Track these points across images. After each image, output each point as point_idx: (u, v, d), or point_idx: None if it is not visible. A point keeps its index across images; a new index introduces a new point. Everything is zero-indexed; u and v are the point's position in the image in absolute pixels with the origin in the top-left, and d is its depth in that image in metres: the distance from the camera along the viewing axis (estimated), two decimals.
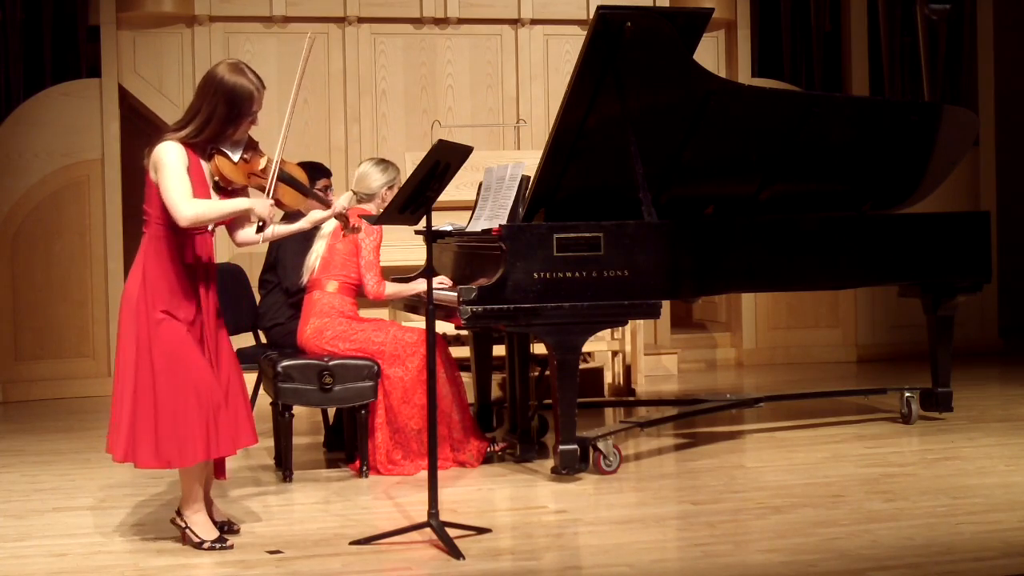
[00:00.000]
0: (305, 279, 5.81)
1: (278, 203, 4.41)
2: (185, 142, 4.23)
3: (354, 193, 5.86)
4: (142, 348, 4.25)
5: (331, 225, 5.78)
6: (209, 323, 4.38)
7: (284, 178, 4.43)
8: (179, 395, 4.25)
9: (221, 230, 4.50)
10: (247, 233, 4.43)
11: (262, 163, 4.38)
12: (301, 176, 4.53)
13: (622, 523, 4.69)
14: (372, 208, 5.81)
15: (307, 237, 6.11)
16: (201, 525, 4.40)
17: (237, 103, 4.21)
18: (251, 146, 4.39)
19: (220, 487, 5.40)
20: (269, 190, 4.33)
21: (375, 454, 5.60)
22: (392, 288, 5.74)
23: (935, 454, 5.85)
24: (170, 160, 4.16)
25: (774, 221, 6.01)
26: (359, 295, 5.83)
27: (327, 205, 4.63)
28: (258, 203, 4.30)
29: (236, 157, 4.31)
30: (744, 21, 9.53)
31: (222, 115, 4.21)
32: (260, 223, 4.31)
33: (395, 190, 5.83)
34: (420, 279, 5.78)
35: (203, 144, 4.26)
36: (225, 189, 4.34)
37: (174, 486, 5.12)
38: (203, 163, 4.30)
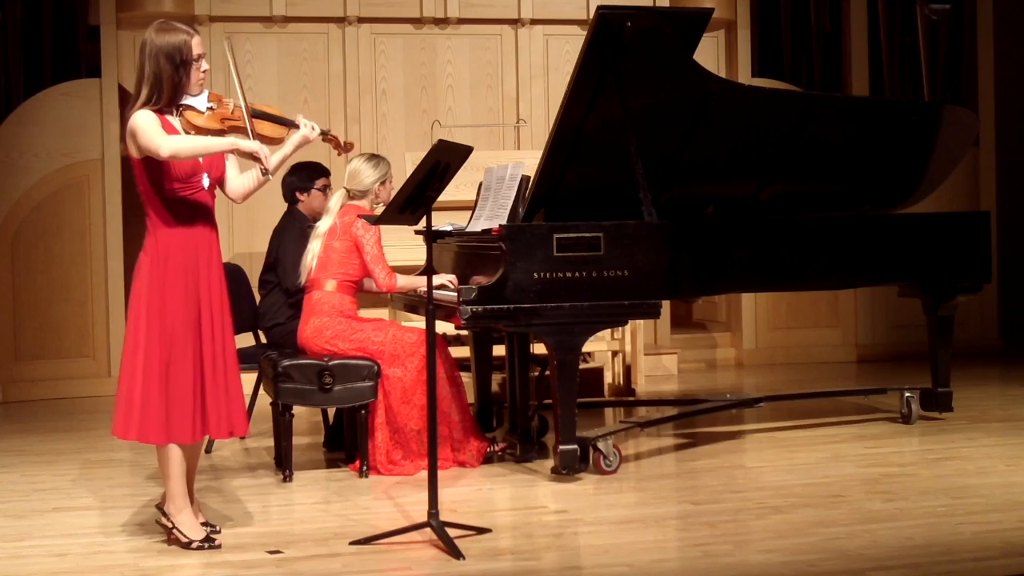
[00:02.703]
0: (303, 279, 5.81)
1: (262, 138, 4.50)
2: (152, 109, 4.34)
3: (347, 191, 5.86)
4: (148, 325, 4.32)
5: (326, 224, 5.79)
6: (220, 294, 4.45)
7: (258, 114, 4.53)
8: (176, 374, 4.32)
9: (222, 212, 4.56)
10: (242, 181, 4.53)
11: (231, 107, 4.48)
12: (272, 109, 4.64)
13: (622, 523, 4.69)
14: (365, 204, 5.82)
15: (306, 237, 6.13)
16: (187, 525, 4.40)
17: (176, 54, 4.33)
18: (215, 97, 4.50)
19: (220, 487, 5.41)
20: (250, 129, 4.42)
21: (375, 454, 5.60)
22: (404, 280, 5.72)
23: (935, 454, 5.85)
24: (144, 122, 4.29)
25: (774, 221, 6.01)
26: (358, 294, 5.83)
27: (296, 125, 4.62)
28: (244, 141, 4.39)
29: (203, 108, 4.42)
30: (744, 21, 9.52)
31: (169, 71, 4.32)
32: (262, 168, 4.39)
33: (387, 185, 5.85)
34: (435, 274, 5.80)
35: (167, 105, 4.36)
36: None
37: None
38: (175, 124, 4.38)
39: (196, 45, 4.36)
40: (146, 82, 4.33)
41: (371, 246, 5.67)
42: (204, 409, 4.36)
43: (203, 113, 4.41)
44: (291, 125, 4.61)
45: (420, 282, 5.65)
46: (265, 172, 4.39)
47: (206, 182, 4.41)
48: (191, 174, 4.36)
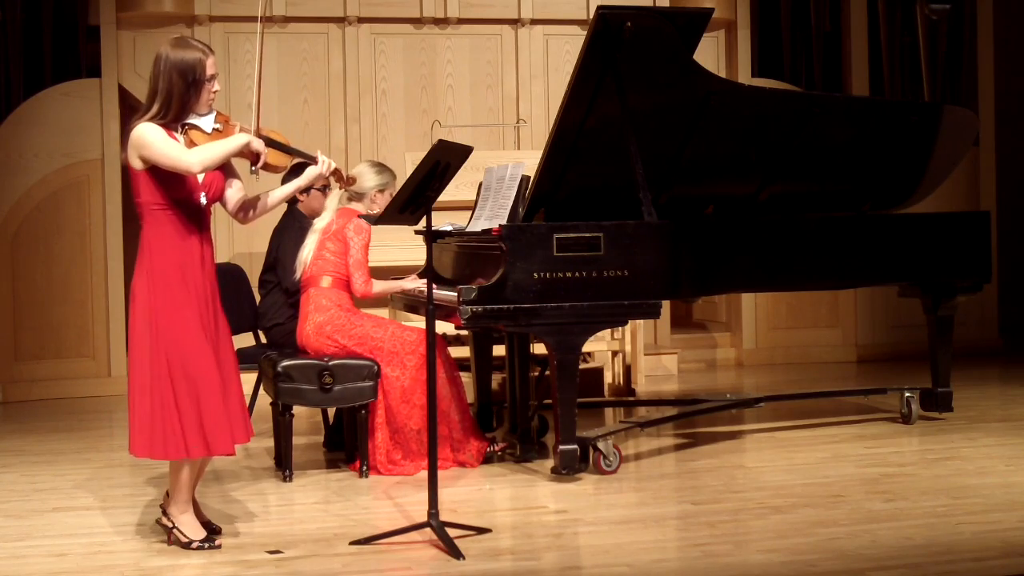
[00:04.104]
0: (299, 274, 5.82)
1: (267, 166, 4.47)
2: (157, 123, 4.30)
3: (345, 190, 5.86)
4: (156, 343, 4.27)
5: (323, 221, 5.81)
6: (214, 307, 4.42)
7: (267, 142, 4.48)
8: (197, 388, 4.28)
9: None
10: (242, 198, 4.53)
11: (236, 129, 4.45)
12: (280, 137, 4.60)
13: (622, 523, 4.69)
14: (361, 207, 5.84)
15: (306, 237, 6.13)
16: (188, 525, 4.40)
17: (189, 72, 4.29)
18: (222, 118, 4.46)
19: (220, 487, 5.41)
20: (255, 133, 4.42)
21: (375, 454, 5.61)
22: (380, 285, 5.79)
23: (935, 454, 5.85)
24: (152, 136, 4.26)
25: (774, 221, 6.01)
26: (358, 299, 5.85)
27: (314, 160, 4.64)
28: (255, 139, 4.39)
29: (208, 128, 4.39)
30: (744, 21, 9.52)
31: (180, 88, 4.29)
32: (252, 166, 4.38)
33: (387, 194, 5.85)
34: (409, 277, 6.04)
35: (174, 121, 4.33)
36: None
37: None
38: (179, 141, 4.34)
39: (211, 65, 4.32)
40: (157, 97, 4.30)
41: (356, 250, 5.70)
42: (217, 423, 4.32)
43: (208, 134, 4.36)
44: (298, 154, 4.58)
45: (393, 287, 5.89)
46: (254, 171, 4.37)
47: (204, 200, 4.40)
48: (191, 191, 4.35)
